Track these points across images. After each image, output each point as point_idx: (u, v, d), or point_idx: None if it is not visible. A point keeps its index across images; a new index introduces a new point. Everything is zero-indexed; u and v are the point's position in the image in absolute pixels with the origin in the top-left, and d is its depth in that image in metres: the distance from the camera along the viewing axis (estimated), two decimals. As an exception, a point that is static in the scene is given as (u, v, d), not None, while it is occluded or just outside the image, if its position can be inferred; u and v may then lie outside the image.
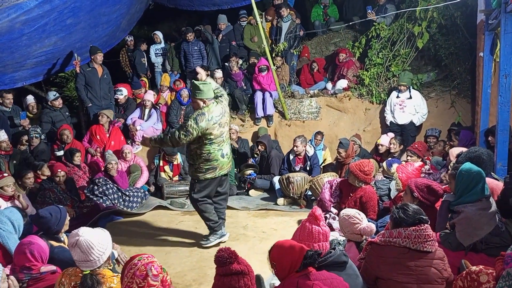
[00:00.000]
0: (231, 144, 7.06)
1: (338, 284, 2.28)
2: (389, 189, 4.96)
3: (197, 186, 4.39)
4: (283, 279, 2.30)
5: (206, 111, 4.08)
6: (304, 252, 2.27)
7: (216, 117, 4.12)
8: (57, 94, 7.10)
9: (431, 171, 5.12)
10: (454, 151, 4.75)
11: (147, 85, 8.75)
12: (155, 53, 9.07)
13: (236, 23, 8.86)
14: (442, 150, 6.05)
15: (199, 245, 4.53)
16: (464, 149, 4.75)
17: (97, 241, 2.32)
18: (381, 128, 7.45)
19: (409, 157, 5.71)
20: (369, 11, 7.70)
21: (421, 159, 5.60)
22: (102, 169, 6.29)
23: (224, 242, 4.51)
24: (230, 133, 7.14)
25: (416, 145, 5.83)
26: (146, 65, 9.10)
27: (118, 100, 7.69)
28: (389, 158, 5.85)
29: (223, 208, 4.64)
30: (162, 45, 9.08)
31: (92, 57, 7.11)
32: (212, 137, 4.14)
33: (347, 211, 3.35)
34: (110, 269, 2.45)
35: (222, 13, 8.91)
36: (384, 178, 5.41)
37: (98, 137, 6.93)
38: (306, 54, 8.87)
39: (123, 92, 7.76)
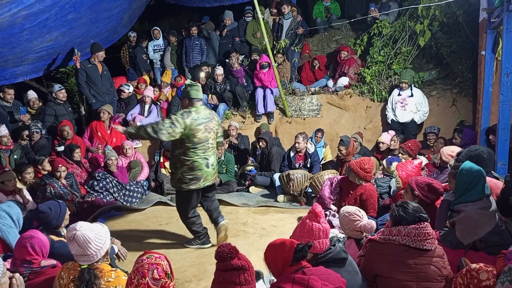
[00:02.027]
0: (230, 141, 7.12)
1: (335, 279, 2.29)
2: (390, 187, 4.96)
3: (179, 197, 4.24)
4: (279, 275, 2.32)
5: (193, 110, 3.98)
6: (294, 246, 2.30)
7: (202, 119, 3.98)
8: (62, 86, 7.11)
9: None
10: (445, 151, 4.72)
11: (148, 82, 8.74)
12: (153, 49, 9.07)
13: (241, 19, 8.86)
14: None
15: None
16: (455, 148, 4.75)
17: (94, 235, 2.32)
18: (382, 126, 7.45)
19: (400, 155, 5.72)
20: (372, 8, 7.69)
21: (412, 157, 5.59)
22: (102, 164, 6.29)
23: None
24: (230, 130, 7.19)
25: (409, 144, 5.80)
26: (148, 61, 9.09)
27: (122, 95, 7.66)
28: (389, 156, 5.85)
29: (215, 211, 4.40)
30: (161, 41, 9.07)
31: (95, 55, 7.08)
32: (195, 140, 3.95)
33: (347, 208, 3.35)
34: (109, 264, 2.45)
35: (228, 9, 8.87)
36: (385, 176, 5.41)
37: (99, 133, 6.92)
38: (307, 51, 8.86)
39: (130, 88, 7.77)
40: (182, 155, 4.02)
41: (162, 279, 2.12)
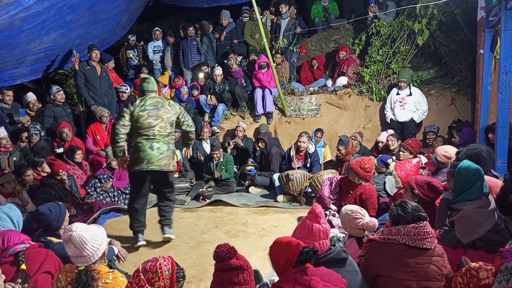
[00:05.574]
0: (236, 142, 7.11)
1: (336, 280, 2.29)
2: (384, 183, 4.97)
3: (129, 180, 4.60)
4: (281, 274, 2.32)
5: (139, 99, 4.31)
6: (300, 248, 2.28)
7: (147, 107, 4.23)
8: (60, 88, 7.12)
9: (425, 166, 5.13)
10: (439, 151, 4.73)
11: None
12: (153, 51, 9.06)
13: (238, 19, 8.85)
14: (441, 147, 6.05)
15: (199, 242, 4.55)
16: (449, 148, 4.76)
17: (90, 236, 2.31)
18: (381, 125, 7.45)
19: (401, 152, 5.73)
20: (372, 4, 7.70)
21: (413, 155, 5.60)
22: (104, 165, 6.30)
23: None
24: (237, 131, 7.20)
25: (410, 141, 5.83)
26: (138, 61, 9.22)
27: (123, 96, 7.64)
28: (381, 155, 5.87)
29: (166, 207, 4.52)
30: (160, 42, 9.07)
31: (88, 55, 7.10)
32: (138, 124, 4.20)
33: (349, 207, 3.35)
34: (108, 265, 2.45)
35: (226, 9, 8.87)
36: (379, 174, 5.40)
37: (98, 137, 6.89)
38: (304, 51, 8.87)
39: (128, 89, 7.75)
40: (130, 138, 4.33)
41: (149, 273, 2.10)
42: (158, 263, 2.13)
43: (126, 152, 4.43)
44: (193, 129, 4.58)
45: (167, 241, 4.60)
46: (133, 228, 4.43)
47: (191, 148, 4.76)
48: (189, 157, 5.16)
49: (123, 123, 4.18)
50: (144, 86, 4.36)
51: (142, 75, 4.49)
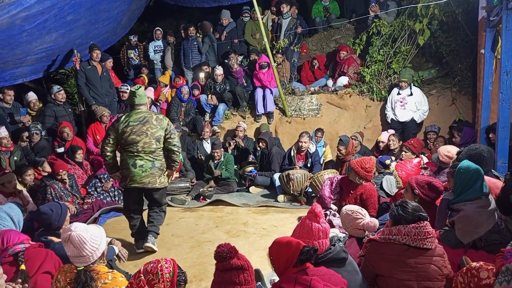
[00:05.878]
0: (236, 141, 7.10)
1: (336, 280, 2.29)
2: (381, 183, 4.97)
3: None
4: (281, 274, 2.32)
5: (125, 114, 4.25)
6: (300, 247, 2.28)
7: (131, 122, 4.11)
8: (61, 88, 7.12)
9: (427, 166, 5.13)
10: (442, 151, 4.73)
11: (146, 82, 8.73)
12: (154, 50, 9.06)
13: (239, 19, 8.86)
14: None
15: (199, 242, 4.55)
16: (452, 148, 4.76)
17: (90, 236, 2.31)
18: (382, 125, 7.45)
19: (403, 153, 5.72)
20: (373, 3, 7.69)
21: (416, 155, 5.60)
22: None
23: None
24: (237, 131, 7.19)
25: (412, 141, 5.84)
26: (138, 61, 9.25)
27: (123, 96, 7.64)
28: (380, 156, 5.87)
29: (155, 213, 4.40)
30: (161, 42, 9.08)
31: (89, 54, 7.12)
32: (122, 141, 4.15)
33: (349, 207, 3.35)
34: (109, 265, 2.45)
35: (226, 9, 8.87)
36: (378, 174, 5.40)
37: (98, 137, 6.89)
38: (304, 50, 8.87)
39: (129, 88, 7.74)
40: (120, 154, 4.33)
41: (150, 274, 2.10)
42: (160, 265, 2.13)
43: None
44: (176, 150, 4.19)
45: (168, 240, 4.60)
46: (133, 235, 4.43)
47: (174, 174, 4.48)
48: (169, 181, 4.65)
49: (108, 142, 4.18)
50: (132, 100, 4.22)
51: (133, 88, 4.32)
